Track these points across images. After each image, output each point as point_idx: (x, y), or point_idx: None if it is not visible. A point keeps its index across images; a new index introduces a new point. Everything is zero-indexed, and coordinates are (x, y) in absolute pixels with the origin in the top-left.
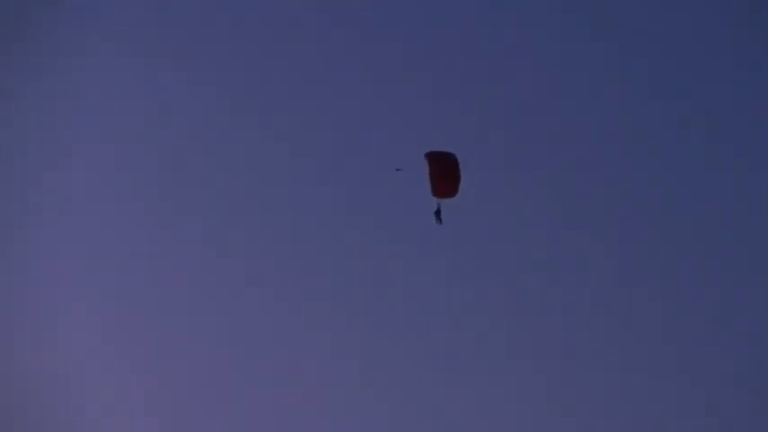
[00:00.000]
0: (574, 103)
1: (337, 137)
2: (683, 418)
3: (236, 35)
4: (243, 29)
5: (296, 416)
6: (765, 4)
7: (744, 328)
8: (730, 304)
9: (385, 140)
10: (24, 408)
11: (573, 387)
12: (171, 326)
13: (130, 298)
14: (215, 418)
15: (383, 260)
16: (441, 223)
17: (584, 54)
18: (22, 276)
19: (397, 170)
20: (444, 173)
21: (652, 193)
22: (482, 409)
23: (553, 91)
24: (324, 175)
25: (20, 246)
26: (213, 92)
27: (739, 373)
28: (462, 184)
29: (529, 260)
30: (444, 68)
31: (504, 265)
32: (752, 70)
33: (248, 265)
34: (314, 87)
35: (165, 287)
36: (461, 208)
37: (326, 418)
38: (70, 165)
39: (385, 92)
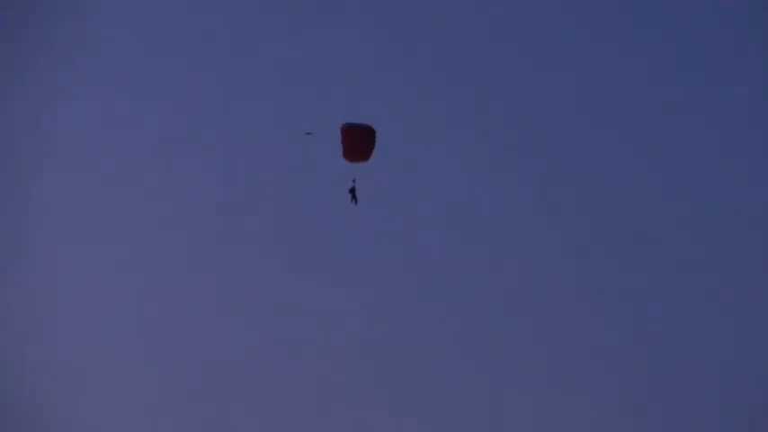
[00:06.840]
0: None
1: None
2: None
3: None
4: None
5: (295, 416)
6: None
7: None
8: (723, 306)
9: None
10: (24, 408)
11: (568, 387)
12: (171, 326)
13: (131, 298)
14: (215, 419)
15: (383, 260)
16: (356, 203)
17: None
18: (21, 276)
19: (307, 134)
20: (353, 135)
21: (645, 193)
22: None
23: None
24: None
25: (19, 246)
26: (214, 92)
27: (738, 376)
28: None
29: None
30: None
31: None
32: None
33: (248, 264)
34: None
35: (165, 288)
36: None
37: (325, 418)
38: (70, 166)
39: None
